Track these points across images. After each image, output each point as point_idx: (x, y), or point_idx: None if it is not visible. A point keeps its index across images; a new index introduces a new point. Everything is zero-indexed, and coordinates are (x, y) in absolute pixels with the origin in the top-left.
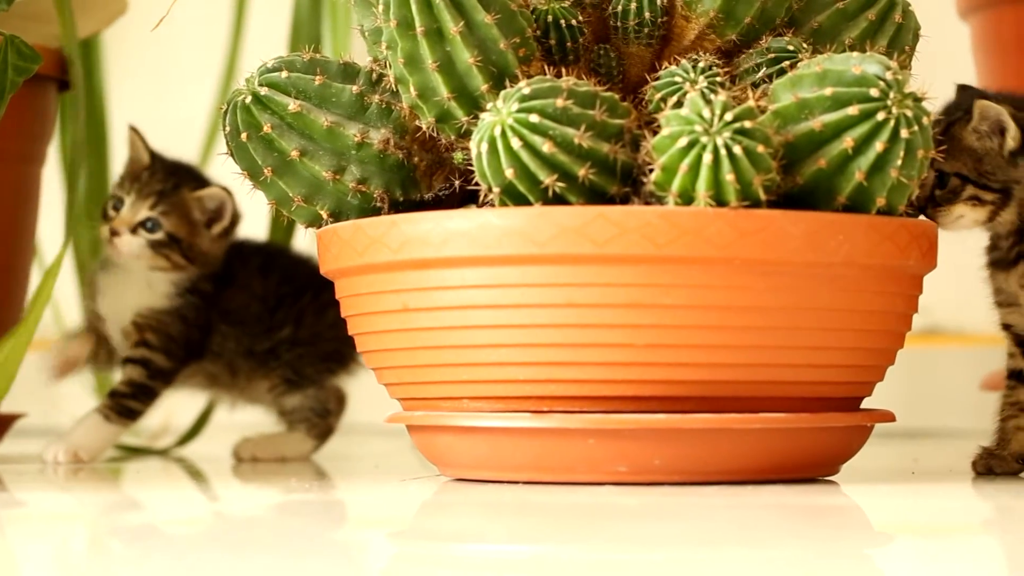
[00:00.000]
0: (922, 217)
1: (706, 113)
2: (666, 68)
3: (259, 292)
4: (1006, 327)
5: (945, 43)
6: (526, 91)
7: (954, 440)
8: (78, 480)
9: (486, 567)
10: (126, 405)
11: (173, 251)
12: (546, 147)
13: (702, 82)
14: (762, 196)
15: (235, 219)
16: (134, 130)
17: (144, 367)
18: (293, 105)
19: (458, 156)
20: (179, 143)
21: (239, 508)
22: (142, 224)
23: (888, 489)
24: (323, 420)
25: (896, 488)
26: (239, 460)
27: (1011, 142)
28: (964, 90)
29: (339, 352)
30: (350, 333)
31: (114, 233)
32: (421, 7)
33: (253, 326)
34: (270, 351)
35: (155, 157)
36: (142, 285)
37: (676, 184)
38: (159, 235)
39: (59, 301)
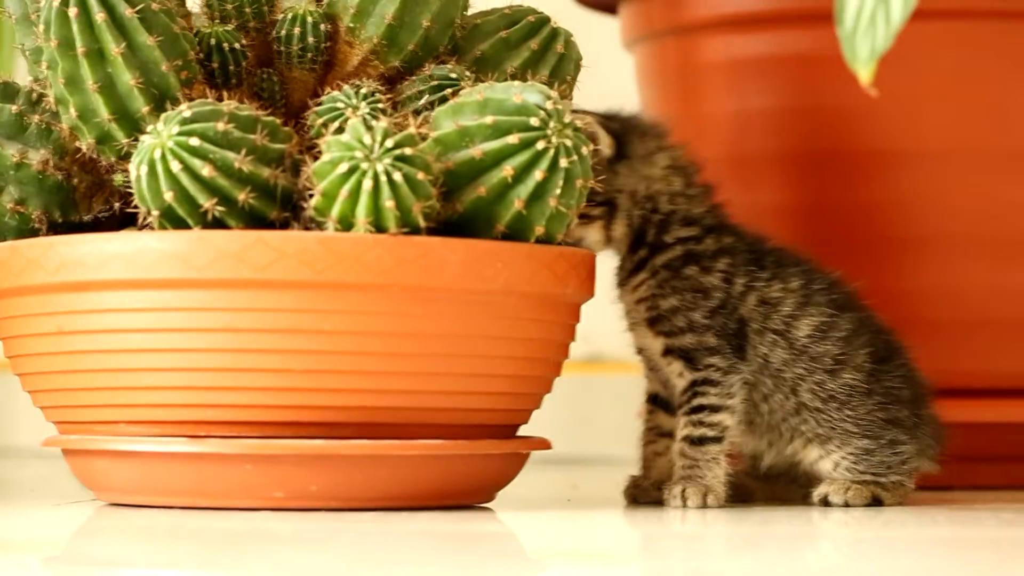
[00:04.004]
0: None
1: (367, 139)
2: (329, 93)
3: None
4: (639, 350)
5: (610, 73)
6: (187, 114)
7: (614, 467)
8: None
9: None
10: None
11: None
12: (206, 170)
13: (364, 108)
14: (422, 223)
15: None
16: None
17: None
18: None
19: (118, 178)
20: None
21: None
22: None
23: (543, 516)
24: None
25: (551, 515)
26: None
27: (606, 150)
28: None
29: None
30: (6, 356)
31: None
32: (82, 27)
33: None
34: None
35: None
36: None
37: (336, 210)
38: None
39: None
